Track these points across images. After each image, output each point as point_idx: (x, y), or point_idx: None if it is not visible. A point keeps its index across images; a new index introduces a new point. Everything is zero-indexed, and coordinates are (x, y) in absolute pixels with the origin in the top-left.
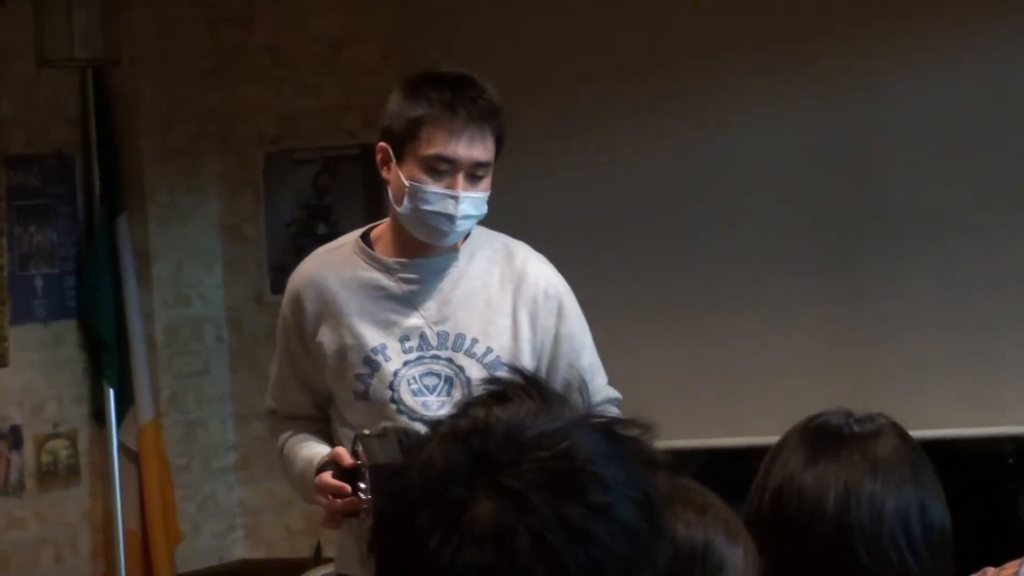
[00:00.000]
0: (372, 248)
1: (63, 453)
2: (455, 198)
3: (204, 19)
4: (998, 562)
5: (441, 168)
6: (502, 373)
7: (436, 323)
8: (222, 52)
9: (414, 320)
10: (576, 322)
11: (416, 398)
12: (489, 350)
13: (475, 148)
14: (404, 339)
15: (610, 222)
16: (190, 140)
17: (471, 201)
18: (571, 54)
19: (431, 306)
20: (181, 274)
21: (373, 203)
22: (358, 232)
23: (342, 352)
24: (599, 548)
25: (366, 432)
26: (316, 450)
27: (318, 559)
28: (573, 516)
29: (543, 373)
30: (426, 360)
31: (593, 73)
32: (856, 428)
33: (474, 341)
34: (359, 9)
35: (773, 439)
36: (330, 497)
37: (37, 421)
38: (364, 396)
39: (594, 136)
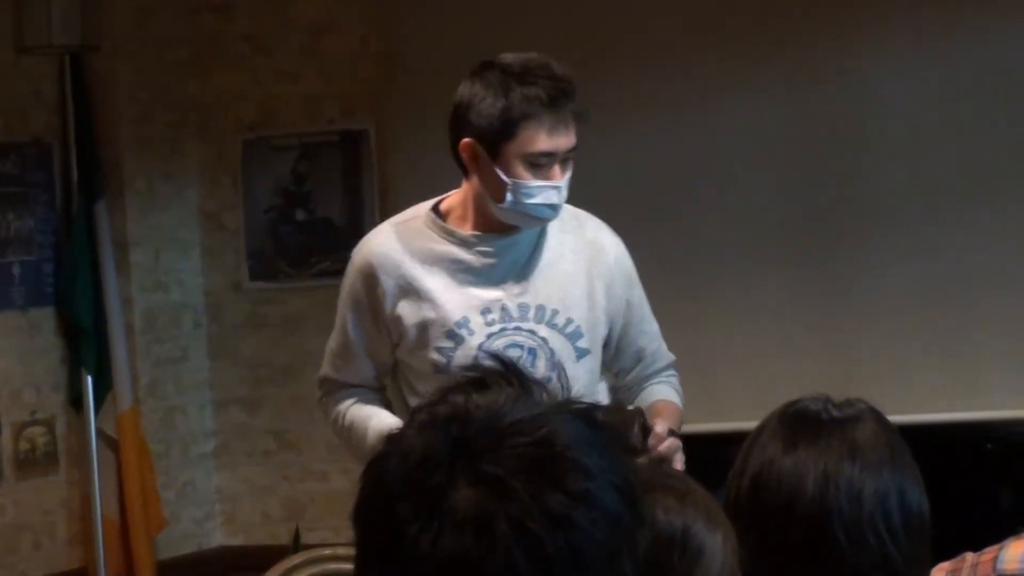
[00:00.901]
0: (444, 221)
1: (41, 440)
2: (557, 188)
3: (183, 6)
4: (977, 547)
5: (542, 162)
6: (582, 343)
7: (516, 295)
8: (201, 39)
9: (495, 293)
10: (640, 290)
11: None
12: (570, 320)
13: (569, 137)
14: (486, 311)
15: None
16: (169, 127)
17: (566, 183)
18: (553, 44)
19: (510, 278)
20: (159, 261)
21: (351, 189)
22: (427, 205)
23: (423, 326)
24: (579, 534)
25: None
26: (386, 422)
27: (297, 545)
28: (553, 502)
29: (614, 339)
30: (509, 332)
31: (574, 64)
32: (835, 413)
33: (555, 312)
34: None
35: (753, 425)
36: None
37: (15, 408)
38: (445, 369)
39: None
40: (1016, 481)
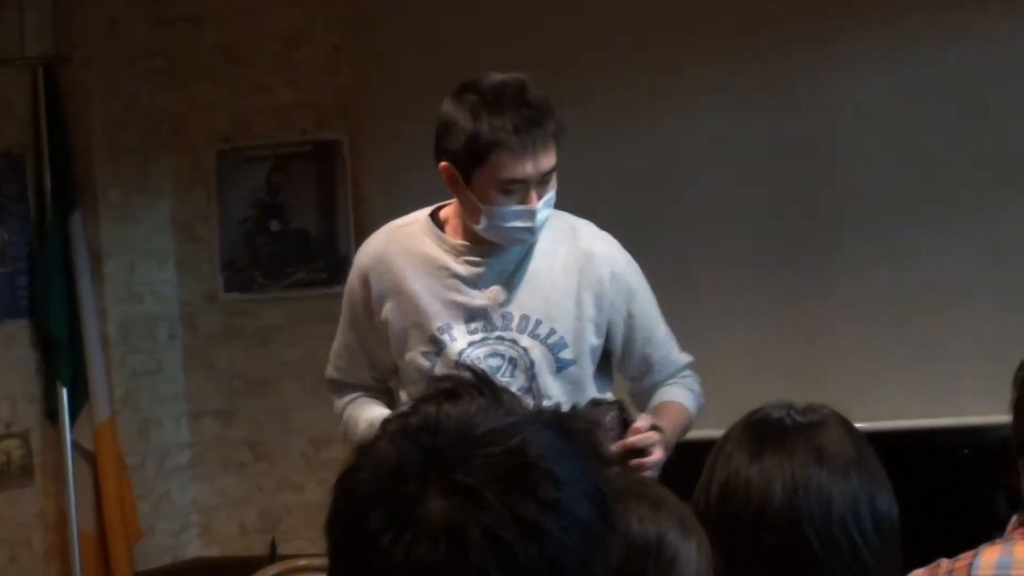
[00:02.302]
0: (442, 228)
1: (16, 453)
2: (532, 212)
3: (155, 17)
4: (952, 553)
5: (514, 188)
6: (565, 354)
7: (501, 304)
8: (173, 50)
9: (479, 301)
10: (646, 297)
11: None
12: (553, 331)
13: (542, 161)
14: (469, 320)
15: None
16: (142, 138)
17: (544, 204)
18: (526, 50)
19: (496, 288)
20: (134, 272)
21: (325, 200)
22: (428, 210)
23: (408, 329)
24: (552, 543)
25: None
26: (378, 413)
27: (273, 556)
28: (525, 511)
29: (618, 351)
30: (490, 341)
31: (551, 67)
32: (798, 419)
33: (538, 323)
34: (311, 7)
35: (723, 432)
36: None
37: None
38: (430, 373)
39: None
40: (992, 487)
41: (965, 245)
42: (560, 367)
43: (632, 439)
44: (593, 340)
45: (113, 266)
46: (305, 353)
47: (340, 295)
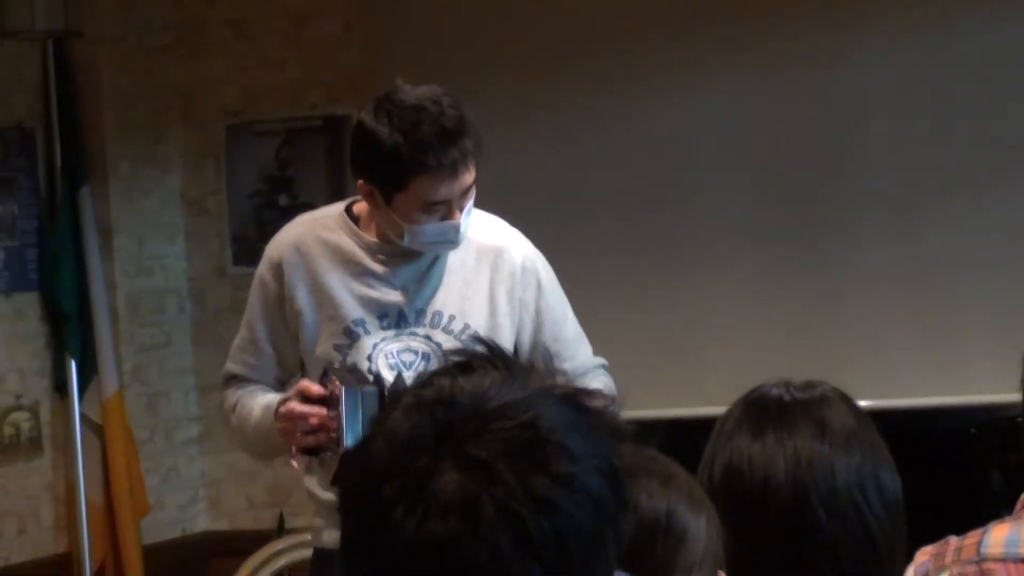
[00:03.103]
0: (356, 223)
1: (25, 425)
2: (455, 227)
3: None
4: (961, 531)
5: (437, 208)
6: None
7: (413, 301)
8: (184, 25)
9: (392, 297)
10: (555, 295)
11: (393, 372)
12: (467, 326)
13: (463, 178)
14: (382, 316)
15: (571, 194)
16: (152, 113)
17: (465, 215)
18: (534, 29)
19: (409, 284)
20: (143, 246)
21: (335, 175)
22: (342, 205)
23: (321, 322)
24: (564, 517)
25: (335, 366)
26: (273, 396)
27: (281, 530)
28: (538, 485)
29: (525, 347)
30: (403, 336)
31: (557, 47)
32: (798, 395)
33: (451, 318)
34: None
35: None
36: (297, 434)
37: None
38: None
39: (556, 109)
40: (1000, 465)
41: (975, 224)
42: None
43: None
44: (508, 335)
45: (122, 240)
46: None
47: None
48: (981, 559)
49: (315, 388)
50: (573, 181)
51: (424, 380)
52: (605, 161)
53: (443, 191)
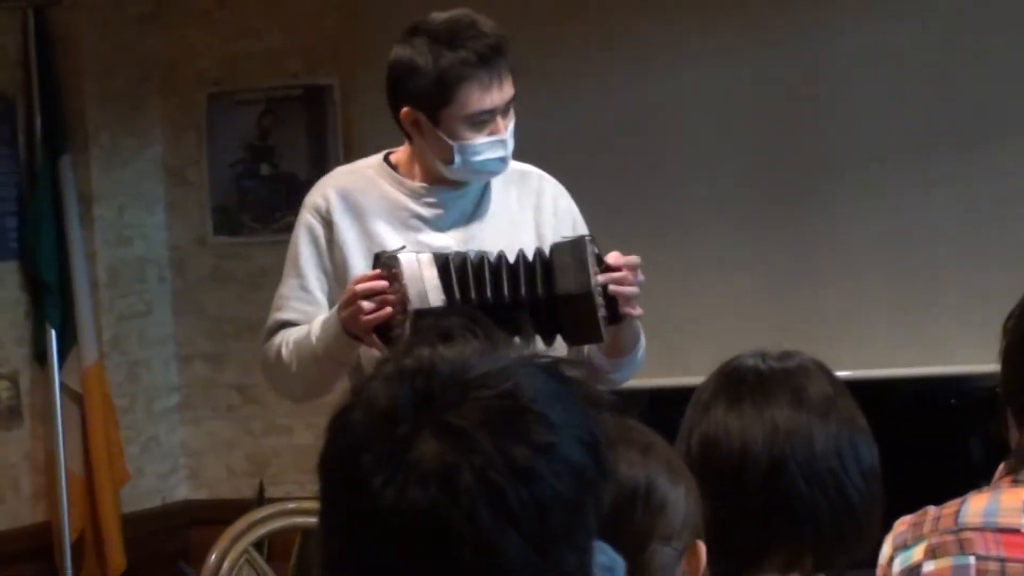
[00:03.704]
0: (396, 172)
1: (5, 395)
2: (503, 141)
3: None
4: (940, 502)
5: (484, 119)
6: None
7: (464, 242)
8: None
9: (443, 240)
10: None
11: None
12: None
13: (505, 90)
14: None
15: (549, 168)
16: (132, 82)
17: (510, 134)
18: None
19: (458, 227)
20: (123, 216)
21: (316, 144)
22: (379, 156)
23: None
24: (543, 487)
25: (384, 251)
26: (323, 317)
27: (261, 499)
28: (517, 455)
29: None
30: None
31: (536, 20)
32: (774, 365)
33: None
34: None
35: None
36: (364, 314)
37: None
38: None
39: (534, 83)
40: (979, 436)
41: (954, 197)
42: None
43: (620, 261)
44: None
45: (102, 209)
46: None
47: None
48: (959, 528)
49: (369, 273)
50: (551, 155)
51: (404, 350)
52: (584, 135)
53: (488, 100)
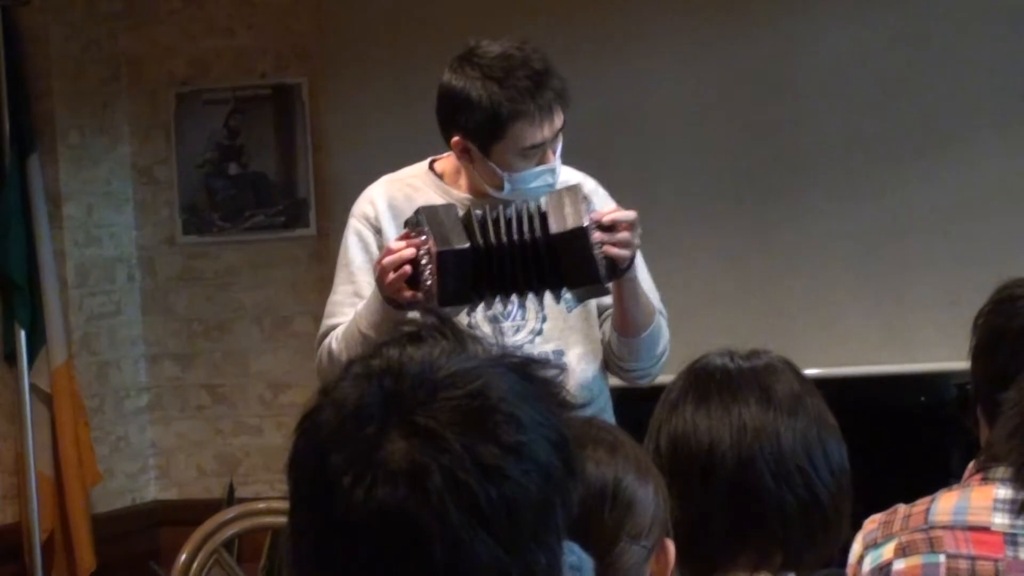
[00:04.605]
0: (442, 180)
1: None
2: (552, 170)
3: None
4: (910, 500)
5: (534, 153)
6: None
7: None
8: None
9: None
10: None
11: (490, 324)
12: None
13: (555, 122)
14: None
15: None
16: (101, 81)
17: (558, 157)
18: (480, 2)
19: None
20: (92, 215)
21: (284, 144)
22: (424, 164)
23: None
24: (512, 486)
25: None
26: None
27: (231, 499)
28: (486, 454)
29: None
30: None
31: (506, 19)
32: (743, 364)
33: None
34: None
35: None
36: (396, 274)
37: None
38: None
39: None
40: (949, 434)
41: (925, 193)
42: (569, 308)
43: (613, 216)
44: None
45: (71, 209)
46: (264, 297)
47: (300, 239)
48: (929, 527)
49: (396, 242)
50: None
51: (372, 351)
52: None
53: (540, 135)
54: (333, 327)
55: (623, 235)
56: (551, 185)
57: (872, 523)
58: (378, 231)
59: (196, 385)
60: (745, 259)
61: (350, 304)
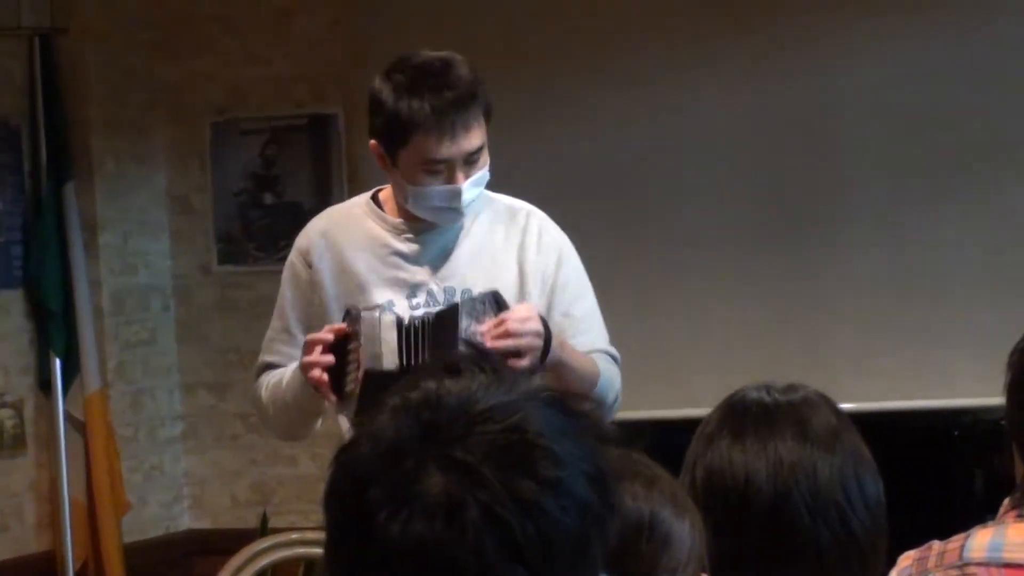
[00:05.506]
0: (381, 208)
1: (9, 423)
2: (457, 192)
3: None
4: (944, 536)
5: (438, 168)
6: None
7: (442, 279)
8: (170, 21)
9: (420, 276)
10: (574, 272)
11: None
12: None
13: (466, 141)
14: (411, 295)
15: (555, 196)
16: (138, 110)
17: (472, 183)
18: (521, 28)
19: (437, 263)
20: (128, 243)
21: (320, 173)
22: (368, 193)
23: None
24: (549, 521)
25: (355, 307)
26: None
27: (264, 529)
28: (524, 489)
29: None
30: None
31: (544, 47)
32: (779, 398)
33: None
34: None
35: None
36: (317, 361)
37: None
38: None
39: (541, 109)
40: (983, 469)
41: (963, 228)
42: None
43: (506, 317)
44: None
45: (107, 237)
46: None
47: None
48: (964, 563)
49: (337, 326)
50: (558, 182)
51: (411, 383)
52: (591, 163)
53: (443, 150)
54: (266, 365)
55: (505, 343)
56: (455, 209)
57: (907, 560)
58: (308, 265)
59: (230, 414)
60: (779, 292)
61: (281, 340)
